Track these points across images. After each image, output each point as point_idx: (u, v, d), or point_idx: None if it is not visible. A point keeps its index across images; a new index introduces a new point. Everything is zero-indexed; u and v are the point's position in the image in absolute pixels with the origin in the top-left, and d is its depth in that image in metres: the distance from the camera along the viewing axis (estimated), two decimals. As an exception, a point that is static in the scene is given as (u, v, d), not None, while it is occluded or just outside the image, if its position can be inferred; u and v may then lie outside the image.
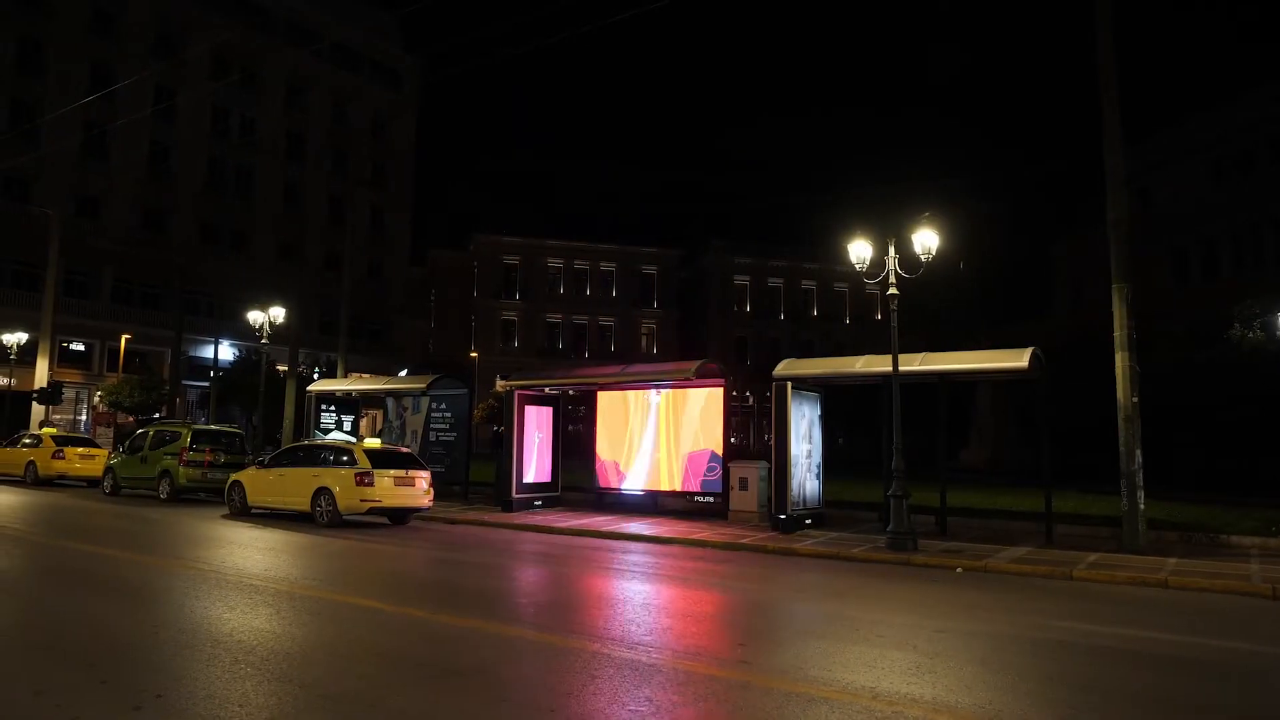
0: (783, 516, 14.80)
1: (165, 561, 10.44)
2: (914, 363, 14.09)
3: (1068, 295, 52.93)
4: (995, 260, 57.61)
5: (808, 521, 15.52)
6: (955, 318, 47.06)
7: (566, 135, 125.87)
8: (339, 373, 29.37)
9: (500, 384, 23.13)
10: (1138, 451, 12.84)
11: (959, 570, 11.42)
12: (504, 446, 18.76)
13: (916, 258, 13.09)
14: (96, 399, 39.60)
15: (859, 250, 13.60)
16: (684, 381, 17.62)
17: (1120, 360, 13.03)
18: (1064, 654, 6.78)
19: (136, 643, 6.36)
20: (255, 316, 23.75)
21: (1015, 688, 5.66)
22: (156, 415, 35.58)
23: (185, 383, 43.66)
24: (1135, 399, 12.94)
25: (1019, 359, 13.26)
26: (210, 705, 4.83)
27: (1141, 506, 12.85)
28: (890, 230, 13.42)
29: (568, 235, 64.53)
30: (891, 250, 13.35)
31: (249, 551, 11.52)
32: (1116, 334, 13.14)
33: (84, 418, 41.86)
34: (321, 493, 15.03)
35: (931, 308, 52.13)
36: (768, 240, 67.55)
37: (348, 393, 23.39)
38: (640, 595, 9.17)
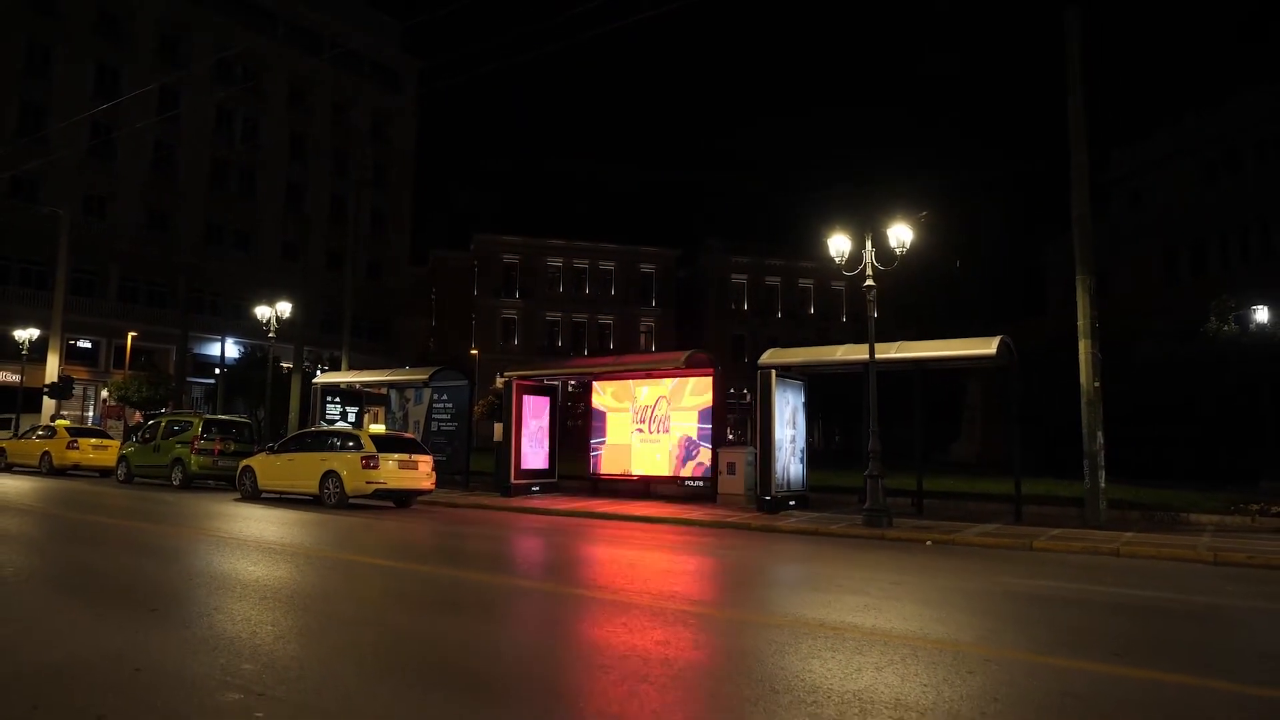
0: (767, 498, 15.59)
1: (187, 531, 11.24)
2: (891, 351, 14.88)
3: (1060, 294, 53.75)
4: (991, 260, 58.32)
5: (791, 503, 16.30)
6: (949, 317, 47.84)
7: (566, 136, 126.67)
8: (343, 367, 30.14)
9: (500, 380, 23.90)
10: (1099, 433, 13.63)
11: (929, 543, 12.19)
12: (503, 434, 19.54)
13: (905, 254, 13.82)
14: (104, 394, 40.40)
15: (838, 244, 14.35)
16: (675, 371, 18.40)
17: (1083, 347, 13.83)
18: (1002, 599, 7.59)
19: (174, 586, 7.16)
20: (262, 311, 24.57)
21: (948, 619, 6.46)
22: (162, 410, 36.37)
23: (190, 379, 44.45)
24: (1096, 384, 13.73)
25: (988, 346, 14.04)
26: (248, 625, 5.63)
27: (1102, 485, 13.64)
28: (867, 226, 14.21)
29: (567, 234, 65.29)
30: (869, 244, 14.13)
31: (263, 524, 12.32)
32: (1080, 323, 13.93)
33: (91, 414, 42.65)
34: (329, 476, 15.82)
35: (925, 307, 52.90)
36: (765, 240, 68.23)
37: (352, 384, 24.18)
38: (626, 559, 9.96)
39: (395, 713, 3.93)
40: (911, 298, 54.18)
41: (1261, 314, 23.18)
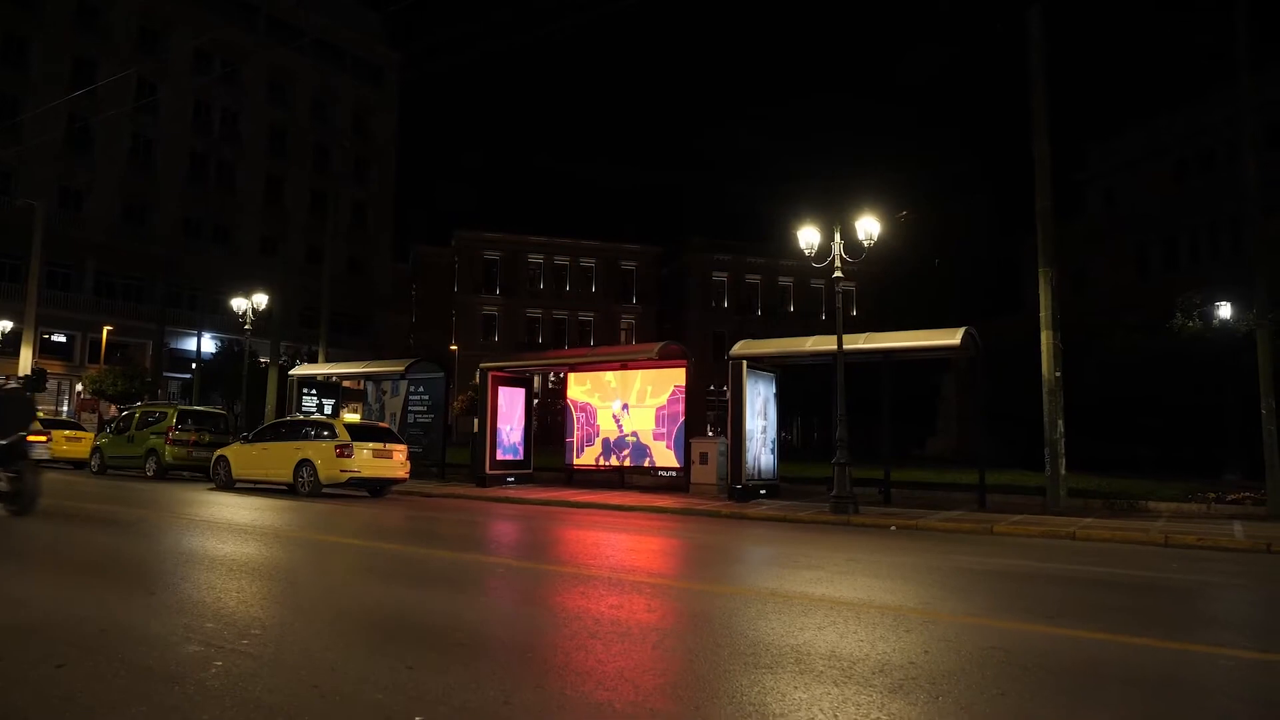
0: (738, 486, 15.83)
1: (159, 515, 11.32)
2: (859, 342, 15.15)
3: (1034, 291, 54.32)
4: (979, 259, 58.79)
5: (762, 492, 16.55)
6: (933, 316, 48.31)
7: (548, 133, 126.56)
8: (319, 360, 30.12)
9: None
10: (1060, 421, 13.97)
11: (893, 528, 12.46)
12: (478, 425, 19.67)
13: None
14: (79, 388, 40.12)
15: (807, 237, 14.59)
16: (648, 362, 18.61)
17: (1045, 338, 14.15)
18: (951, 574, 7.84)
19: (141, 561, 7.28)
20: (239, 303, 24.55)
21: (895, 589, 6.70)
22: (138, 404, 36.18)
23: (166, 374, 44.18)
24: (1057, 374, 14.06)
25: (952, 337, 14.34)
26: (213, 592, 5.78)
27: (1063, 472, 13.98)
28: (836, 219, 14.46)
29: (549, 231, 65.38)
30: (837, 237, 14.39)
31: (236, 510, 12.40)
32: (1042, 314, 14.26)
33: (65, 408, 42.31)
34: (303, 464, 15.87)
35: (909, 307, 53.43)
36: (747, 238, 68.61)
37: (328, 376, 24.22)
38: (592, 540, 10.16)
39: (354, 663, 4.10)
40: (890, 295, 54.77)
41: (1225, 310, 23.59)
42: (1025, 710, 3.63)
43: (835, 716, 3.42)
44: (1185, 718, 3.72)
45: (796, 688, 3.82)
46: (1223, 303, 24.74)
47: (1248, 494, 15.42)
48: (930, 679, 4.01)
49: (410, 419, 21.86)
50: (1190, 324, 25.13)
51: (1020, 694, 3.84)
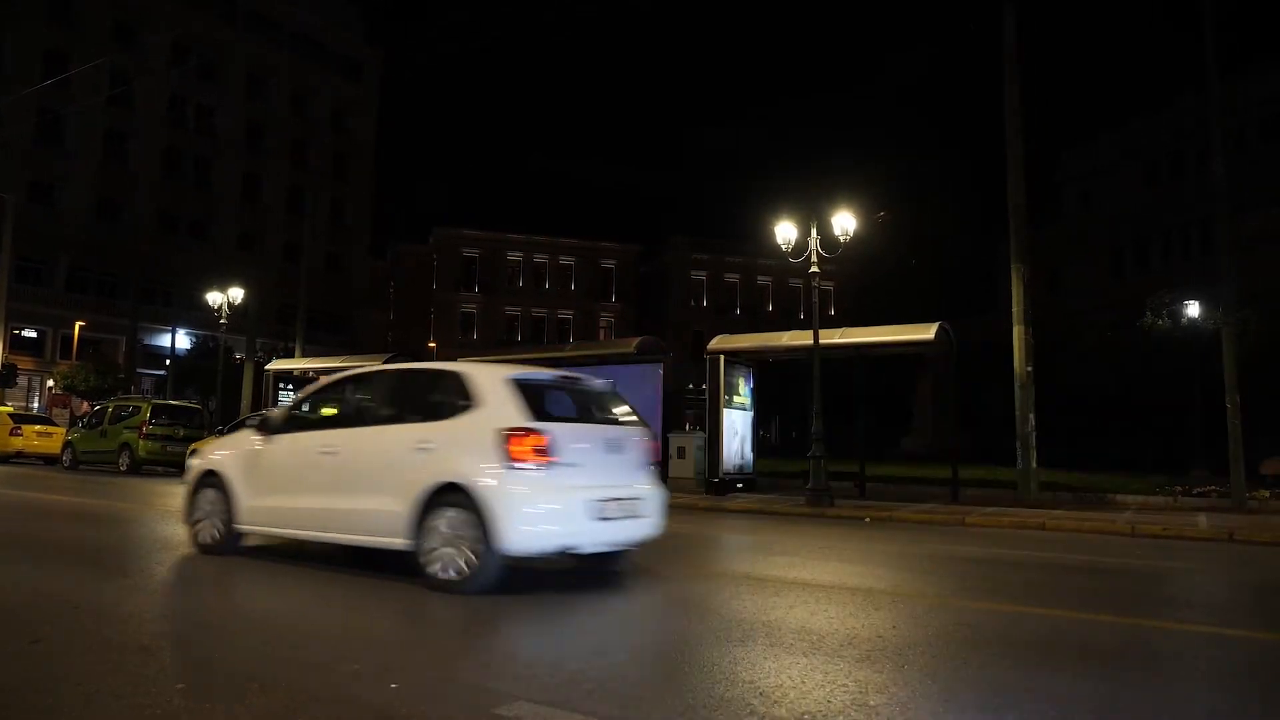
0: (715, 480, 15.94)
1: (132, 506, 11.24)
2: (834, 337, 15.29)
3: (1010, 289, 54.95)
4: (952, 259, 59.27)
5: (739, 486, 16.67)
6: (907, 314, 48.59)
7: (528, 131, 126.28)
8: (296, 356, 29.96)
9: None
10: (1030, 415, 14.20)
11: (867, 520, 12.61)
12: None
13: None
14: (50, 384, 39.63)
15: (784, 232, 14.72)
16: (627, 357, 18.66)
17: (1016, 333, 14.37)
18: (921, 560, 7.97)
19: (116, 547, 7.27)
20: (214, 297, 24.37)
21: (866, 573, 6.82)
22: (111, 399, 35.77)
23: (140, 371, 43.68)
24: (1029, 368, 14.29)
25: (926, 332, 14.51)
26: (183, 576, 5.78)
27: (1034, 465, 14.21)
28: (813, 215, 14.58)
29: (528, 229, 65.34)
30: (814, 232, 14.51)
31: (211, 503, 12.33)
32: (1014, 309, 14.48)
33: (36, 404, 41.73)
34: (280, 458, 15.77)
35: (884, 304, 53.72)
36: (726, 237, 68.89)
37: (305, 371, 24.08)
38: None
39: (330, 637, 4.14)
40: (875, 297, 55.10)
41: (1193, 309, 24.04)
42: (985, 675, 3.74)
43: (803, 682, 3.51)
44: (1136, 680, 3.84)
45: (766, 658, 3.91)
46: (1191, 302, 25.21)
47: (1214, 488, 15.75)
48: (896, 650, 4.11)
49: (388, 414, 21.74)
50: (1160, 322, 25.61)
51: (981, 662, 3.96)
